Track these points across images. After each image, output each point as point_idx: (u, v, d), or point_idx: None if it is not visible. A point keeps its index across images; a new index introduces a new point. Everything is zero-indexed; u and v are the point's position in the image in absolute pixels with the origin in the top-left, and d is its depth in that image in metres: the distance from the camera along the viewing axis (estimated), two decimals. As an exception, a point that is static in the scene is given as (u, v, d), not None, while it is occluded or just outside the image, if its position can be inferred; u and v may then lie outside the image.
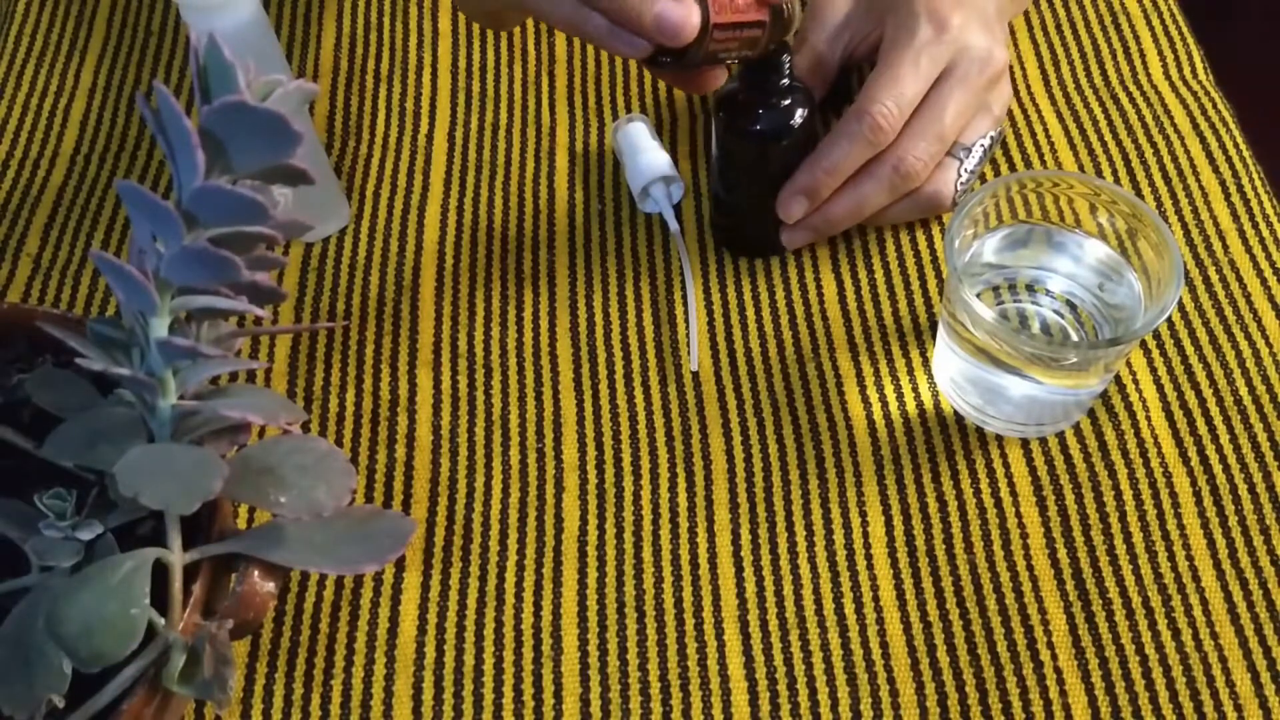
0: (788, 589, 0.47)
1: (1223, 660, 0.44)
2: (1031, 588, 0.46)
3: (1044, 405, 0.49)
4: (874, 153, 0.50)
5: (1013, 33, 0.63)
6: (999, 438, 0.50)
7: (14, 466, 0.39)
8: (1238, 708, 0.43)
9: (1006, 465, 0.49)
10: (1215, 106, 0.60)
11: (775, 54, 0.48)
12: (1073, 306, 0.50)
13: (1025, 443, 0.50)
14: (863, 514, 0.48)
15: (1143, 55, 0.62)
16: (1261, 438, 0.49)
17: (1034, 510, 0.48)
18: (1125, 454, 0.49)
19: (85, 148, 0.61)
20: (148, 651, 0.35)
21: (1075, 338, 0.50)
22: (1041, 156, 0.58)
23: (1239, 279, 0.54)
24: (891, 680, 0.44)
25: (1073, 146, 0.59)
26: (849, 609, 0.46)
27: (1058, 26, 0.64)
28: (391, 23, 0.66)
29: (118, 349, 0.37)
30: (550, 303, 0.55)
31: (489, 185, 0.59)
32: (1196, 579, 0.46)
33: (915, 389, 0.51)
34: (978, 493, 0.49)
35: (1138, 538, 0.47)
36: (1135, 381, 0.51)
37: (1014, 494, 0.49)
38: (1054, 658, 0.45)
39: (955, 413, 0.51)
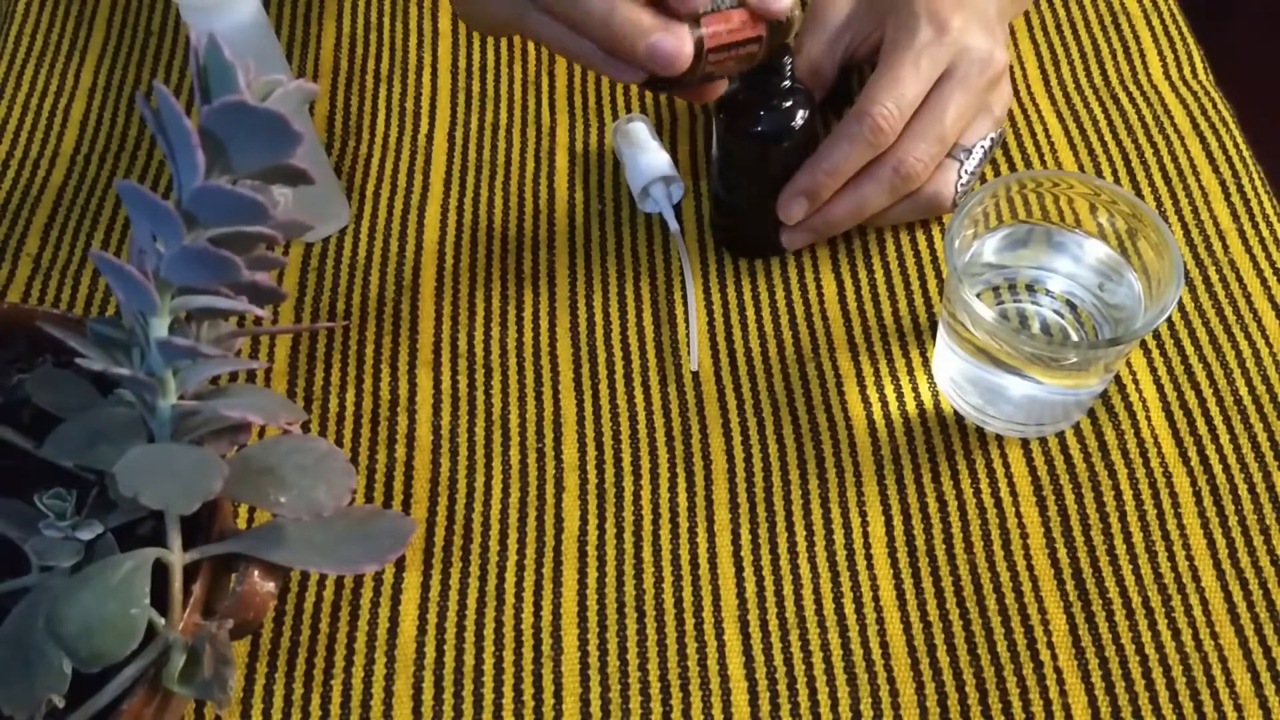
0: (788, 589, 0.47)
1: (1223, 660, 0.44)
2: (1031, 588, 0.46)
3: (1044, 405, 0.49)
4: (874, 154, 0.50)
5: (1013, 33, 0.63)
6: (999, 438, 0.50)
7: (14, 466, 0.39)
8: (1238, 708, 0.43)
9: (1006, 465, 0.49)
10: (1215, 106, 0.60)
11: (776, 56, 0.48)
12: (1073, 306, 0.50)
13: (1025, 443, 0.50)
14: (863, 514, 0.48)
15: (1143, 55, 0.62)
16: (1261, 438, 0.49)
17: (1034, 510, 0.48)
18: (1125, 454, 0.49)
19: (85, 148, 0.61)
20: (148, 651, 0.35)
21: (1075, 338, 0.50)
22: (1041, 156, 0.58)
23: (1239, 279, 0.54)
24: (891, 680, 0.44)
25: (1073, 146, 0.59)
26: (849, 609, 0.46)
27: (1058, 26, 0.64)
28: (391, 23, 0.66)
29: (118, 349, 0.37)
30: (550, 303, 0.55)
31: (489, 185, 0.59)
32: (1196, 579, 0.46)
33: (915, 389, 0.51)
34: (978, 493, 0.49)
35: (1138, 538, 0.47)
36: (1135, 381, 0.51)
37: (1014, 494, 0.49)
38: (1054, 658, 0.45)
39: (955, 413, 0.51)
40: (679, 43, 0.42)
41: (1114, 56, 0.62)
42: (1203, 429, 0.50)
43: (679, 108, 0.61)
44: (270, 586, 0.38)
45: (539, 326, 0.54)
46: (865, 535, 0.48)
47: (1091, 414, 0.50)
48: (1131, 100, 0.60)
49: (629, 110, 0.62)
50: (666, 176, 0.56)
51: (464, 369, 0.53)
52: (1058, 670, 0.44)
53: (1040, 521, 0.48)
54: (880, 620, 0.46)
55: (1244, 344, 0.52)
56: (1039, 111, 0.60)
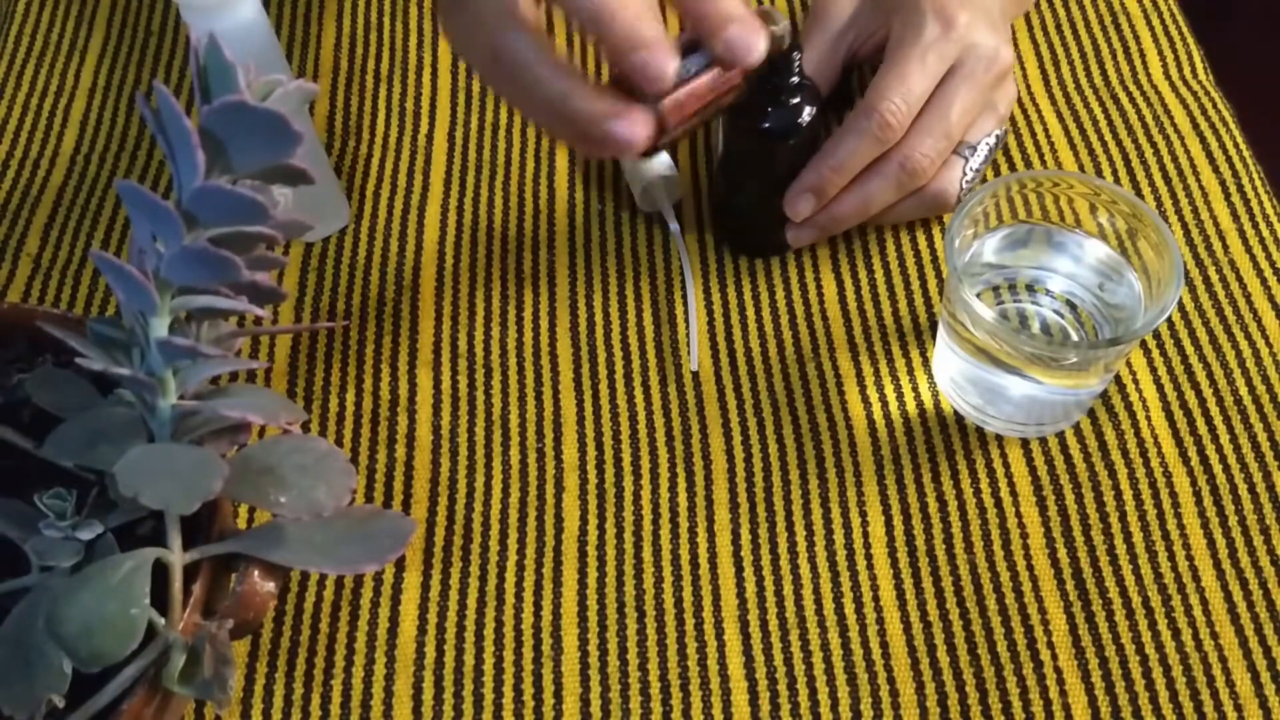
0: (788, 589, 0.47)
1: (1223, 660, 0.44)
2: (1031, 588, 0.46)
3: (1044, 405, 0.49)
4: (882, 150, 0.50)
5: (1013, 33, 0.63)
6: (999, 438, 0.50)
7: (14, 466, 0.39)
8: (1238, 708, 0.43)
9: (1006, 465, 0.49)
10: (1215, 106, 0.60)
11: (785, 52, 0.48)
12: (1073, 306, 0.50)
13: (1025, 443, 0.50)
14: (863, 514, 0.48)
15: (1143, 55, 0.62)
16: (1261, 438, 0.49)
17: (1034, 510, 0.48)
18: (1125, 454, 0.49)
19: (85, 148, 0.61)
20: (148, 651, 0.35)
21: (1075, 338, 0.50)
22: (1041, 156, 0.58)
23: (1239, 279, 0.54)
24: (891, 680, 0.44)
25: (1073, 146, 0.59)
26: (849, 609, 0.46)
27: (1058, 26, 0.64)
28: (391, 23, 0.66)
29: (118, 349, 0.37)
30: (550, 303, 0.55)
31: (489, 185, 0.59)
32: (1196, 579, 0.46)
33: (915, 389, 0.51)
34: (978, 493, 0.49)
35: (1138, 538, 0.47)
36: (1135, 381, 0.51)
37: (1014, 494, 0.49)
38: (1054, 658, 0.45)
39: (955, 413, 0.51)
40: (633, 128, 0.41)
41: (1114, 56, 0.62)
42: (1203, 429, 0.50)
43: (679, 108, 0.61)
44: (270, 586, 0.38)
45: (539, 326, 0.54)
46: (865, 535, 0.48)
47: (1091, 414, 0.50)
48: (1131, 100, 0.60)
49: (629, 110, 0.62)
50: (666, 176, 0.56)
51: (464, 369, 0.53)
52: (1058, 670, 0.44)
53: (1040, 521, 0.48)
54: (880, 620, 0.46)
55: (1244, 344, 0.52)
56: (1039, 111, 0.60)
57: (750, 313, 0.54)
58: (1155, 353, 0.52)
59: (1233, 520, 0.47)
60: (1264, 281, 0.54)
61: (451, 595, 0.47)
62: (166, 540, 0.36)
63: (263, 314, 0.37)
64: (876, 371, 0.52)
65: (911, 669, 0.45)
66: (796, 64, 0.48)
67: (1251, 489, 0.48)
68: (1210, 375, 0.51)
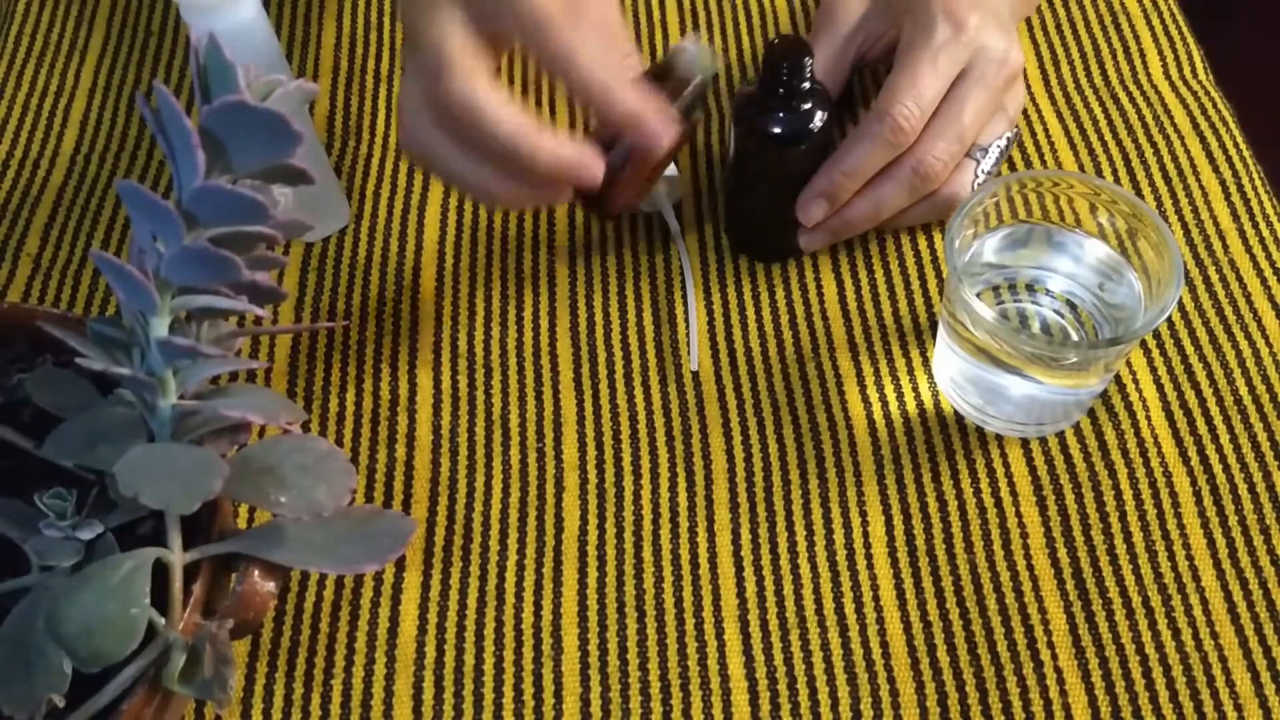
0: (788, 589, 0.47)
1: (1223, 660, 0.44)
2: (1031, 587, 0.46)
3: (1044, 405, 0.49)
4: (894, 154, 0.50)
5: (1013, 32, 0.63)
6: (999, 437, 0.50)
7: (14, 466, 0.39)
8: (1238, 707, 0.43)
9: (1006, 465, 0.49)
10: (1215, 106, 0.60)
11: (796, 56, 0.48)
12: (1073, 306, 0.50)
13: (1025, 442, 0.50)
14: (863, 514, 0.48)
15: (1143, 55, 0.62)
16: (1261, 438, 0.49)
17: (1034, 510, 0.48)
18: (1125, 454, 0.49)
19: (85, 148, 0.61)
20: (148, 651, 0.35)
21: (1075, 337, 0.50)
22: (1041, 156, 0.58)
23: (1239, 279, 0.54)
24: (891, 680, 0.44)
25: (1073, 146, 0.59)
26: (849, 609, 0.46)
27: (1058, 26, 0.64)
28: (391, 23, 0.66)
29: (118, 349, 0.37)
30: (550, 303, 0.55)
31: (489, 185, 0.59)
32: (1196, 579, 0.46)
33: (915, 389, 0.51)
34: (978, 492, 0.49)
35: (1138, 538, 0.47)
36: (1135, 381, 0.51)
37: (1014, 494, 0.49)
38: (1054, 657, 0.45)
39: (955, 412, 0.51)
40: (594, 162, 0.44)
41: (1114, 56, 0.62)
42: (1203, 429, 0.50)
43: (679, 108, 0.61)
44: (270, 586, 0.38)
45: (539, 326, 0.54)
46: (865, 535, 0.48)
47: (1091, 414, 0.50)
48: (1131, 100, 0.60)
49: (629, 110, 0.62)
50: (667, 176, 0.56)
51: (464, 369, 0.53)
52: (1058, 670, 0.44)
53: (1040, 521, 0.48)
54: (880, 620, 0.46)
55: (1244, 344, 0.52)
56: (1039, 111, 0.60)
57: (750, 313, 0.54)
58: (1155, 353, 0.52)
59: (1233, 520, 0.47)
60: (1264, 281, 0.54)
61: (451, 595, 0.47)
62: (166, 540, 0.36)
63: (263, 314, 0.37)
64: (876, 371, 0.52)
65: (911, 669, 0.45)
66: (807, 68, 0.48)
67: (1251, 489, 0.48)
68: (1210, 375, 0.51)
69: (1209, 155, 0.58)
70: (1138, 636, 0.45)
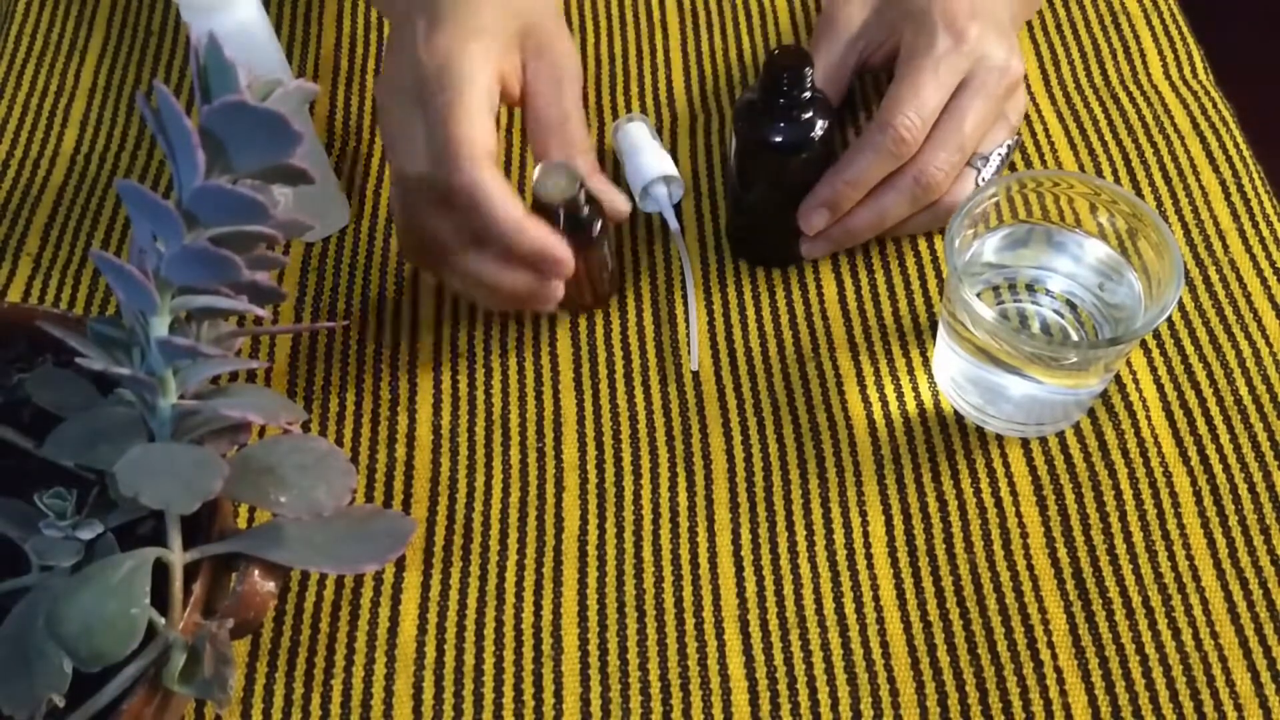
0: (788, 588, 0.47)
1: (1223, 660, 0.44)
2: (1031, 587, 0.46)
3: (1044, 405, 0.49)
4: (897, 165, 0.50)
5: (1013, 33, 0.63)
6: (999, 437, 0.50)
7: (14, 466, 0.39)
8: (1238, 707, 0.43)
9: (1006, 465, 0.49)
10: (1215, 106, 0.60)
11: (796, 65, 0.47)
12: (1073, 306, 0.50)
13: (1025, 442, 0.50)
14: (863, 513, 0.48)
15: (1143, 55, 0.62)
16: (1261, 438, 0.49)
17: (1034, 510, 0.48)
18: (1125, 454, 0.49)
19: (85, 147, 0.61)
20: (148, 651, 0.35)
21: (1075, 337, 0.50)
22: (1041, 156, 0.58)
23: (1239, 279, 0.54)
24: (891, 680, 0.44)
25: (1073, 146, 0.59)
26: (849, 608, 0.46)
27: (1058, 26, 0.64)
28: (391, 23, 0.66)
29: (118, 348, 0.37)
30: (550, 302, 0.55)
31: (489, 185, 0.59)
32: (1196, 578, 0.46)
33: (915, 389, 0.51)
34: (978, 492, 0.49)
35: (1138, 537, 0.47)
36: (1135, 381, 0.51)
37: (1014, 494, 0.49)
38: (1054, 657, 0.45)
39: (955, 412, 0.51)
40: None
41: (1114, 56, 0.62)
42: (1203, 429, 0.50)
43: (679, 107, 0.62)
44: (270, 586, 0.38)
45: (539, 326, 0.54)
46: (865, 535, 0.48)
47: (1091, 414, 0.50)
48: (1131, 100, 0.60)
49: (629, 110, 0.62)
50: (666, 176, 0.56)
51: (464, 368, 0.53)
52: (1058, 670, 0.44)
53: (1040, 521, 0.48)
54: (880, 620, 0.46)
55: (1244, 344, 0.52)
56: (1039, 111, 0.60)
57: (750, 313, 0.54)
58: (1155, 353, 0.52)
59: (1233, 520, 0.47)
60: (1264, 281, 0.54)
61: (451, 595, 0.47)
62: (167, 540, 0.36)
63: (263, 314, 0.37)
64: (877, 371, 0.52)
65: (911, 669, 0.45)
66: (808, 77, 0.48)
67: (1251, 489, 0.48)
68: (1210, 375, 0.51)
69: (1209, 155, 0.58)
70: (1138, 636, 0.45)
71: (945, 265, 0.51)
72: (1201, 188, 0.57)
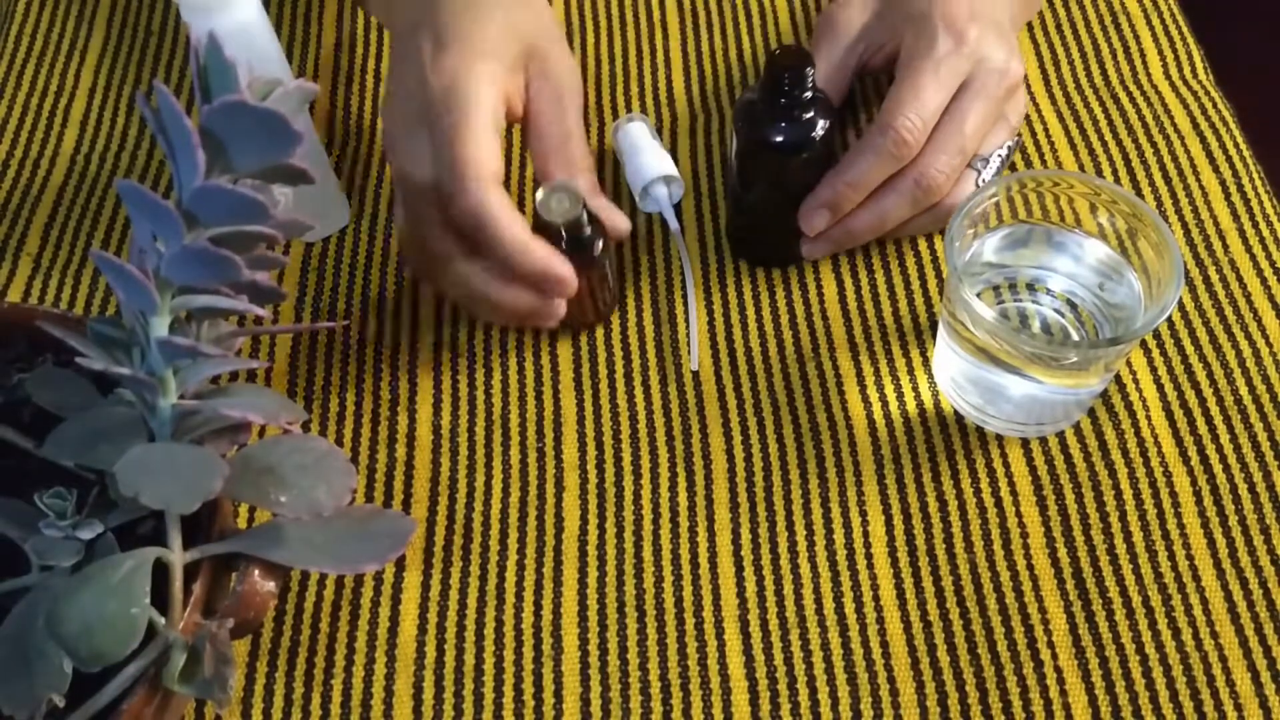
0: (788, 588, 0.47)
1: (1223, 659, 0.44)
2: (1031, 587, 0.46)
3: (1044, 405, 0.49)
4: (898, 167, 0.50)
5: (1013, 33, 0.63)
6: (999, 437, 0.50)
7: (14, 466, 0.39)
8: (1238, 707, 0.43)
9: (1006, 465, 0.49)
10: (1215, 106, 0.60)
11: (798, 65, 0.47)
12: (1073, 306, 0.50)
13: (1025, 442, 0.50)
14: (863, 513, 0.48)
15: (1143, 55, 0.62)
16: (1261, 438, 0.49)
17: (1034, 510, 0.48)
18: (1125, 454, 0.49)
19: (85, 147, 0.61)
20: (148, 651, 0.35)
21: (1075, 337, 0.50)
22: (1041, 156, 0.58)
23: (1239, 279, 0.54)
24: (892, 679, 0.44)
25: (1073, 146, 0.59)
26: (849, 608, 0.46)
27: (1058, 26, 0.64)
28: (392, 22, 0.66)
29: (118, 348, 0.37)
30: (550, 302, 0.55)
31: (489, 185, 0.59)
32: (1196, 578, 0.46)
33: (915, 388, 0.51)
34: (978, 492, 0.49)
35: (1138, 537, 0.47)
36: (1135, 381, 0.51)
37: (1014, 493, 0.49)
38: (1054, 657, 0.45)
39: (955, 412, 0.51)
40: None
41: (1114, 56, 0.62)
42: (1203, 429, 0.50)
43: (679, 107, 0.62)
44: (270, 586, 0.38)
45: (539, 327, 0.54)
46: (865, 535, 0.48)
47: (1091, 414, 0.50)
48: (1131, 100, 0.60)
49: (629, 110, 0.62)
50: (667, 176, 0.56)
51: (464, 368, 0.53)
52: (1058, 669, 0.44)
53: (1040, 521, 0.48)
54: (880, 620, 0.46)
55: (1244, 344, 0.52)
56: (1039, 111, 0.60)
57: (750, 312, 0.54)
58: (1155, 352, 0.52)
59: (1233, 520, 0.47)
60: (1264, 281, 0.54)
61: (452, 595, 0.47)
62: (167, 540, 0.36)
63: (263, 313, 0.37)
64: (877, 371, 0.52)
65: (911, 668, 0.45)
66: (810, 77, 0.48)
67: (1251, 489, 0.48)
68: (1210, 375, 0.51)
69: (1209, 155, 0.58)
70: (1138, 636, 0.45)
71: (945, 265, 0.51)
72: (1201, 188, 0.57)
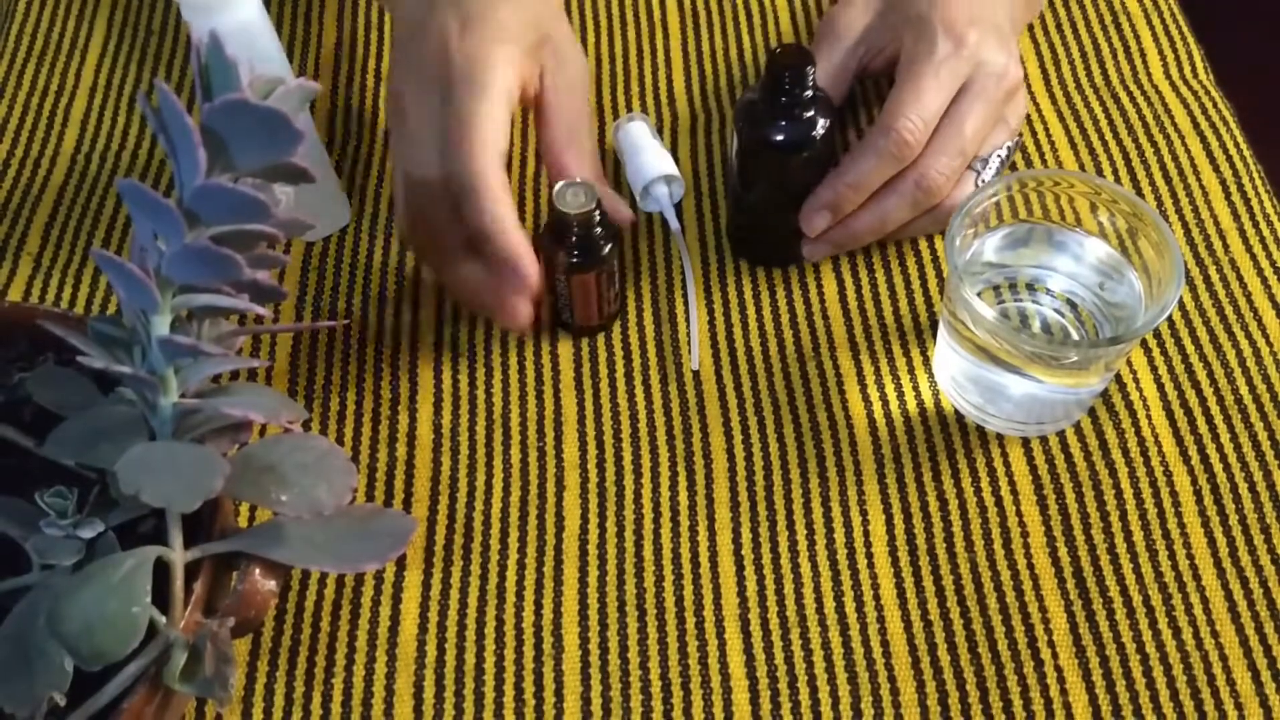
0: (788, 587, 0.47)
1: (1223, 659, 0.44)
2: (1032, 586, 0.46)
3: (1044, 404, 0.49)
4: (899, 168, 0.50)
5: (1013, 32, 0.63)
6: (999, 436, 0.50)
7: (15, 465, 0.39)
8: (1238, 706, 0.43)
9: (1007, 464, 0.49)
10: (1215, 106, 0.60)
11: (798, 64, 0.48)
12: (1073, 305, 0.50)
13: (1026, 442, 0.50)
14: (863, 512, 0.48)
15: (1143, 55, 0.62)
16: (1262, 437, 0.49)
17: (1034, 509, 0.48)
18: (1125, 453, 0.49)
19: (86, 147, 0.61)
20: (149, 650, 0.35)
21: (1076, 336, 0.50)
22: (1042, 156, 0.58)
23: (1239, 278, 0.54)
24: (892, 679, 0.44)
25: (1073, 146, 0.59)
26: (849, 607, 0.46)
27: (1058, 26, 0.64)
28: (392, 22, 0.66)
29: (119, 347, 0.37)
30: (551, 302, 0.55)
31: (489, 184, 0.59)
32: (1197, 577, 0.46)
33: (916, 388, 0.51)
34: (978, 491, 0.49)
35: (1138, 536, 0.47)
36: (1135, 380, 0.51)
37: (1014, 493, 0.49)
38: (1054, 656, 0.45)
39: (956, 411, 0.51)
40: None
41: (1114, 56, 0.62)
42: (1203, 428, 0.50)
43: (679, 107, 0.62)
44: (271, 585, 0.38)
45: (539, 325, 0.54)
46: (865, 534, 0.48)
47: (1092, 413, 0.50)
48: (1132, 100, 0.60)
49: (629, 110, 0.62)
50: (667, 176, 0.56)
51: (464, 367, 0.53)
52: (1058, 669, 0.44)
53: (1040, 520, 0.48)
54: (880, 619, 0.46)
55: (1244, 344, 0.52)
56: (1039, 111, 0.60)
57: (751, 312, 0.54)
58: (1155, 352, 0.52)
59: (1233, 519, 0.47)
60: (1264, 281, 0.54)
61: (452, 594, 0.47)
62: (168, 538, 0.36)
63: (264, 312, 0.37)
64: (877, 370, 0.52)
65: (911, 668, 0.45)
66: (810, 76, 0.48)
67: (1252, 488, 0.48)
68: (1210, 375, 0.51)
69: (1209, 155, 0.58)
70: (1138, 635, 0.45)
71: (945, 265, 0.51)
72: (1202, 187, 0.57)
